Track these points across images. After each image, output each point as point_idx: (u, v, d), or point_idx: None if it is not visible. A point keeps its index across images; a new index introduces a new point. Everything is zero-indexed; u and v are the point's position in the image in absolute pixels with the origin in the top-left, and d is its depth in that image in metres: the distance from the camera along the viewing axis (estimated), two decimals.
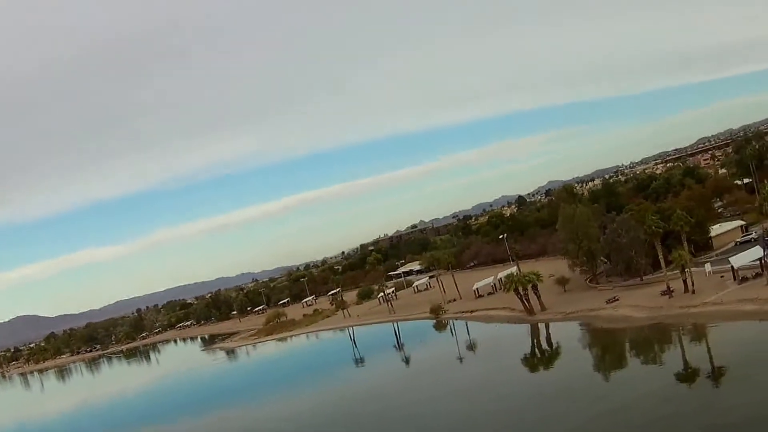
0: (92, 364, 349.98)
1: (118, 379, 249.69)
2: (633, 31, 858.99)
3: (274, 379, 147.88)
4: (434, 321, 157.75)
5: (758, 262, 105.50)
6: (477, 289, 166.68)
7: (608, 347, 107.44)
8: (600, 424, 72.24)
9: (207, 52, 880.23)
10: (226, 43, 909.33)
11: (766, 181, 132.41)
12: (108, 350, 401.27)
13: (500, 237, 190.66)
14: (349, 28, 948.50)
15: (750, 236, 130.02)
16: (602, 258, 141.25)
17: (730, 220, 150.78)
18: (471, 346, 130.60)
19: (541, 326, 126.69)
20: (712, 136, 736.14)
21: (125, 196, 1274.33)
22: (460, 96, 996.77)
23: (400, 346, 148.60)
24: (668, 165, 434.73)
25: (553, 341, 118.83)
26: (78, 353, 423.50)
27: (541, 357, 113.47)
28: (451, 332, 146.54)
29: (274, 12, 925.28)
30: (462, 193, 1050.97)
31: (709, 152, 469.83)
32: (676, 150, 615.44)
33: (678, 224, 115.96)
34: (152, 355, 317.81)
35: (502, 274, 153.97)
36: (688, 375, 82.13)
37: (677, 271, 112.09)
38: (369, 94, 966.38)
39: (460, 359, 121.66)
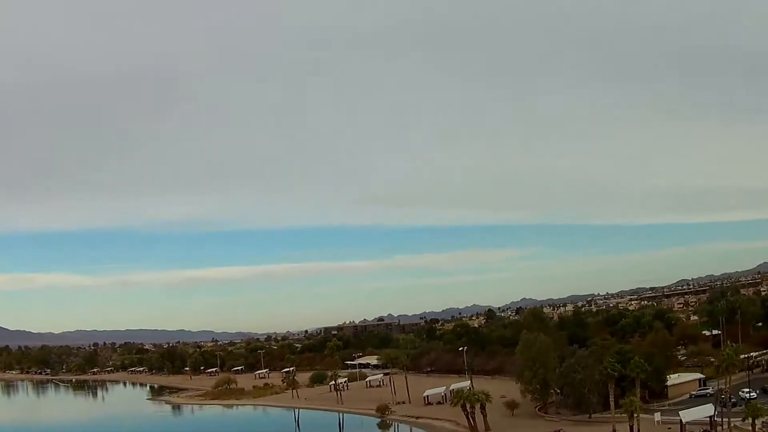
0: (39, 386, 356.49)
1: (60, 406, 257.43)
2: (631, 162, 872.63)
3: None
4: (379, 419, 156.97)
5: (708, 419, 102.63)
6: (427, 396, 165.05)
7: None
8: None
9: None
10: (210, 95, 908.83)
11: (729, 342, 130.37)
12: (57, 377, 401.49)
13: (460, 349, 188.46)
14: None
15: (706, 391, 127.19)
16: (555, 389, 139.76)
17: (690, 371, 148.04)
18: None
19: None
20: (693, 279, 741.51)
21: (110, 229, 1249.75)
22: (449, 198, 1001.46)
23: None
24: (642, 303, 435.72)
25: None
26: (27, 372, 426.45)
27: None
28: None
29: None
30: (435, 294, 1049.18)
31: (686, 296, 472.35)
32: (653, 288, 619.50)
33: (634, 371, 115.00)
34: (99, 392, 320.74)
35: (454, 386, 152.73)
36: None
37: (626, 414, 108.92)
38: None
39: None
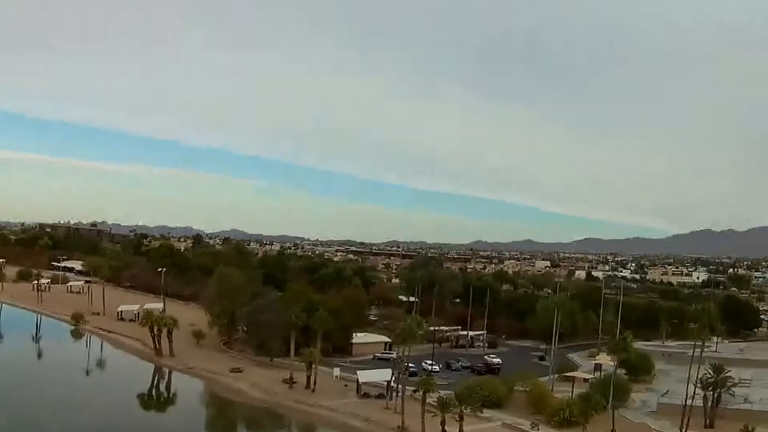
0: None
1: None
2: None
3: None
4: (73, 327, 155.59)
5: (385, 383, 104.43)
6: (121, 311, 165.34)
7: (218, 414, 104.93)
8: None
9: None
10: None
11: (415, 314, 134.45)
12: None
13: (159, 270, 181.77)
14: None
15: (390, 355, 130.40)
16: (243, 327, 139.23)
17: (379, 333, 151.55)
18: (100, 363, 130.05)
19: (165, 371, 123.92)
20: (405, 242, 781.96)
21: None
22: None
23: (36, 337, 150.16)
24: (349, 256, 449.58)
25: (171, 389, 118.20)
26: None
27: (155, 399, 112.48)
28: (86, 344, 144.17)
29: None
30: (157, 207, 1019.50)
31: (392, 258, 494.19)
32: (363, 244, 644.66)
33: (316, 323, 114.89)
34: None
35: (148, 306, 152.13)
36: None
37: (305, 364, 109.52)
38: None
39: (87, 371, 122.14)
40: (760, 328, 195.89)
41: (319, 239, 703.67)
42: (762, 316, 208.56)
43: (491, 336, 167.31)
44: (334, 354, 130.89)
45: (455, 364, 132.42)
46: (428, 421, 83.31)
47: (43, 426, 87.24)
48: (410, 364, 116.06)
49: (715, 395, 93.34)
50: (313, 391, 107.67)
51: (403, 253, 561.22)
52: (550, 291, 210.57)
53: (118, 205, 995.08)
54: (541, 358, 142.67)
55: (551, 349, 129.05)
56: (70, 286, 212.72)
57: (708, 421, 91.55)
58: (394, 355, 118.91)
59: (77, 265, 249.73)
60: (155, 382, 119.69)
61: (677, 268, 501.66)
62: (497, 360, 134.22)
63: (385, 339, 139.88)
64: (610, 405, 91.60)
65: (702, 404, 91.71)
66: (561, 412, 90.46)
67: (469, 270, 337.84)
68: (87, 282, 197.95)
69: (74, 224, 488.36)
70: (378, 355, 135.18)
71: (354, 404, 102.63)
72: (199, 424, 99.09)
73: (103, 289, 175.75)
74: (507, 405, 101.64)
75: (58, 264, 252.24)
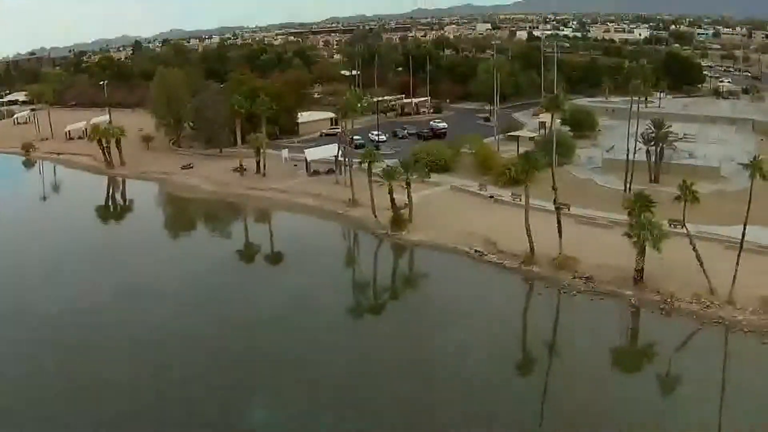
0: None
1: None
2: None
3: None
4: (24, 158, 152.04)
5: (333, 159, 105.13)
6: (69, 131, 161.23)
7: (175, 213, 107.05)
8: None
9: None
10: None
11: (354, 88, 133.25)
12: None
13: (101, 82, 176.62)
14: None
15: (336, 131, 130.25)
16: (190, 123, 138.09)
17: (324, 110, 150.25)
18: (54, 186, 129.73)
19: (119, 180, 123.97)
20: (344, 17, 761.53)
21: None
22: None
23: None
24: (289, 39, 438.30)
25: (127, 197, 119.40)
26: None
27: (111, 209, 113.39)
28: (39, 171, 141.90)
29: None
30: (86, 24, 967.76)
31: (332, 35, 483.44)
32: (302, 24, 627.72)
33: (259, 109, 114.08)
34: None
35: (94, 120, 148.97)
36: (250, 254, 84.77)
37: (254, 150, 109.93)
38: None
39: (43, 197, 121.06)
40: (704, 85, 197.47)
41: (258, 26, 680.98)
42: (705, 72, 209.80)
43: (436, 101, 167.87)
44: (282, 136, 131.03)
45: (401, 132, 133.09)
46: (377, 191, 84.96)
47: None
48: (357, 137, 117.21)
49: (658, 150, 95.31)
50: (264, 175, 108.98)
51: (343, 28, 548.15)
52: (491, 53, 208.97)
53: (52, 29, 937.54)
54: (486, 120, 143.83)
55: (495, 110, 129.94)
56: (17, 118, 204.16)
57: (653, 176, 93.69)
58: (339, 129, 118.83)
59: (20, 96, 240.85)
60: (110, 192, 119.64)
61: (619, 25, 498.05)
62: (443, 125, 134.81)
63: (331, 115, 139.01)
64: (551, 162, 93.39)
65: (646, 159, 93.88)
66: (507, 171, 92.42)
67: (409, 38, 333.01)
68: (32, 110, 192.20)
69: (12, 58, 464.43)
70: (325, 131, 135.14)
71: (304, 183, 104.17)
72: (157, 225, 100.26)
73: (48, 113, 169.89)
74: (455, 168, 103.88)
75: (1, 99, 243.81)
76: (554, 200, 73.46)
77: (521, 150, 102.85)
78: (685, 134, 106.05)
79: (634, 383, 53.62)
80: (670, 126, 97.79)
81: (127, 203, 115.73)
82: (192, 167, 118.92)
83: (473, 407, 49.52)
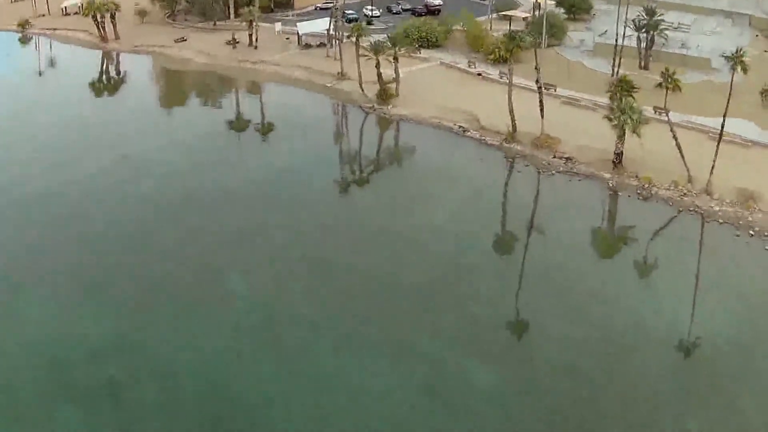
0: None
1: None
2: None
3: None
4: (20, 34, 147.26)
5: (325, 33, 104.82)
6: (65, 7, 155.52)
7: (167, 85, 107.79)
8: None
9: None
10: None
11: None
12: None
13: None
14: None
15: (330, 4, 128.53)
16: None
17: None
18: (51, 62, 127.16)
19: (113, 54, 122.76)
20: None
21: None
22: None
23: None
24: None
25: (120, 70, 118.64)
26: None
27: (104, 83, 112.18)
28: (35, 46, 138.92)
29: None
30: None
31: None
32: None
33: None
34: None
35: None
36: (239, 126, 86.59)
37: (247, 24, 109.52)
38: None
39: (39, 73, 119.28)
40: None
41: None
42: None
43: None
44: (277, 10, 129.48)
45: (396, 7, 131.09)
46: (366, 65, 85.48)
47: None
48: (350, 12, 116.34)
49: (648, 38, 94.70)
50: (256, 48, 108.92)
51: None
52: None
53: None
54: None
55: None
56: None
57: (643, 63, 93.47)
58: (333, 3, 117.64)
59: None
60: (104, 66, 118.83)
61: None
62: (438, 1, 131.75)
63: None
64: (542, 42, 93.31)
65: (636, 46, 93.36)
66: (496, 50, 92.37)
67: None
68: None
69: None
70: (319, 5, 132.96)
71: (296, 56, 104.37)
72: (149, 97, 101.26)
73: None
74: (446, 45, 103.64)
75: None
76: (537, 80, 74.15)
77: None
78: (679, 23, 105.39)
79: (609, 267, 55.73)
80: (663, 14, 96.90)
81: (120, 77, 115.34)
82: (185, 40, 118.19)
83: (436, 276, 51.98)
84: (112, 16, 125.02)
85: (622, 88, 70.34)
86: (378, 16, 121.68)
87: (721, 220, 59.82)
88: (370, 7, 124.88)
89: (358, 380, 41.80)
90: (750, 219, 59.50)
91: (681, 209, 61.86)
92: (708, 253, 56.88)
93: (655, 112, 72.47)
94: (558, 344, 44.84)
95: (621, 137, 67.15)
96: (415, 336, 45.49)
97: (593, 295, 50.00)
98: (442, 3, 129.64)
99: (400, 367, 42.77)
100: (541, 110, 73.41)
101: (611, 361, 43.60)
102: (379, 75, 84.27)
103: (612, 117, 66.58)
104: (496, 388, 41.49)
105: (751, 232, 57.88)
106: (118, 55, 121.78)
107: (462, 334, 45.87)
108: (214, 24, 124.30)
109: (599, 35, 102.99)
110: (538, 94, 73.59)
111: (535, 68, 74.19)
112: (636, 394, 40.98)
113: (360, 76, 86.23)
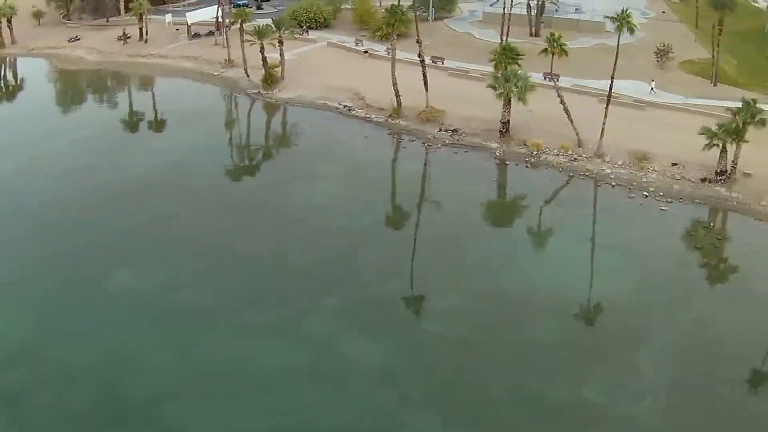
0: None
1: None
2: None
3: None
4: None
5: (214, 20, 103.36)
6: None
7: (60, 86, 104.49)
8: None
9: None
10: None
11: None
12: None
13: None
14: None
15: None
16: None
17: None
18: None
19: (9, 60, 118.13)
20: None
21: None
22: None
23: None
24: None
25: (17, 75, 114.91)
26: None
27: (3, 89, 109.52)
28: None
29: None
30: None
31: None
32: None
33: None
34: None
35: None
36: (130, 120, 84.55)
37: (137, 17, 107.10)
38: None
39: None
40: None
41: None
42: None
43: None
44: (169, 1, 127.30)
45: None
46: (251, 50, 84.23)
47: None
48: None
49: (538, 4, 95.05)
50: (146, 41, 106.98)
51: None
52: None
53: None
54: None
55: None
56: None
57: (533, 30, 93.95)
58: None
59: None
60: (1, 73, 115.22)
61: None
62: None
63: None
64: (429, 16, 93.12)
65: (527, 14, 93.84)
66: (383, 27, 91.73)
67: None
68: None
69: None
70: None
71: (185, 47, 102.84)
72: (40, 99, 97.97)
73: None
74: (335, 25, 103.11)
75: None
76: (419, 54, 73.86)
77: None
78: None
79: (499, 237, 55.67)
80: None
81: (18, 82, 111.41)
82: (79, 39, 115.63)
83: (326, 256, 51.32)
84: (9, 21, 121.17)
85: (506, 55, 70.64)
86: (268, 0, 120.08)
87: (614, 183, 60.26)
88: None
89: (255, 365, 40.67)
90: (644, 180, 60.07)
91: (572, 174, 62.27)
92: (601, 217, 57.03)
93: (545, 78, 72.89)
94: (449, 317, 44.44)
95: (507, 105, 67.33)
96: (304, 316, 44.64)
97: (484, 266, 49.93)
98: None
99: (293, 347, 41.74)
100: (425, 83, 73.30)
101: (503, 331, 43.34)
102: (264, 59, 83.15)
103: (496, 85, 66.64)
104: (387, 365, 40.87)
105: (645, 193, 58.42)
106: (14, 59, 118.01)
107: (351, 312, 45.24)
108: (107, 20, 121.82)
109: (490, 5, 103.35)
110: (421, 68, 73.37)
111: (417, 41, 73.99)
112: (530, 363, 40.51)
113: (245, 62, 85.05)
